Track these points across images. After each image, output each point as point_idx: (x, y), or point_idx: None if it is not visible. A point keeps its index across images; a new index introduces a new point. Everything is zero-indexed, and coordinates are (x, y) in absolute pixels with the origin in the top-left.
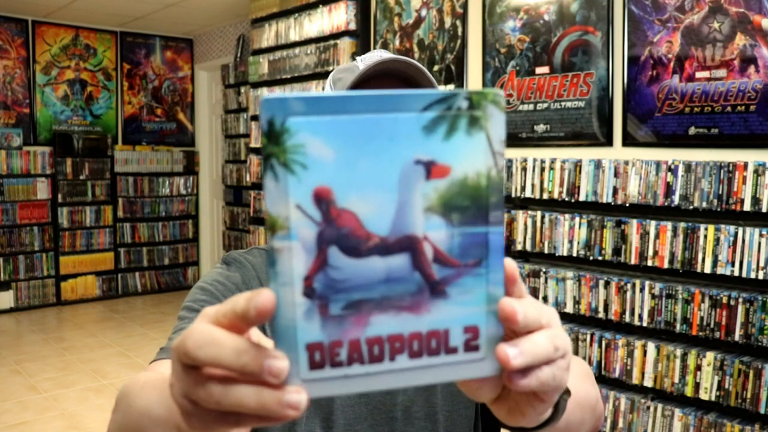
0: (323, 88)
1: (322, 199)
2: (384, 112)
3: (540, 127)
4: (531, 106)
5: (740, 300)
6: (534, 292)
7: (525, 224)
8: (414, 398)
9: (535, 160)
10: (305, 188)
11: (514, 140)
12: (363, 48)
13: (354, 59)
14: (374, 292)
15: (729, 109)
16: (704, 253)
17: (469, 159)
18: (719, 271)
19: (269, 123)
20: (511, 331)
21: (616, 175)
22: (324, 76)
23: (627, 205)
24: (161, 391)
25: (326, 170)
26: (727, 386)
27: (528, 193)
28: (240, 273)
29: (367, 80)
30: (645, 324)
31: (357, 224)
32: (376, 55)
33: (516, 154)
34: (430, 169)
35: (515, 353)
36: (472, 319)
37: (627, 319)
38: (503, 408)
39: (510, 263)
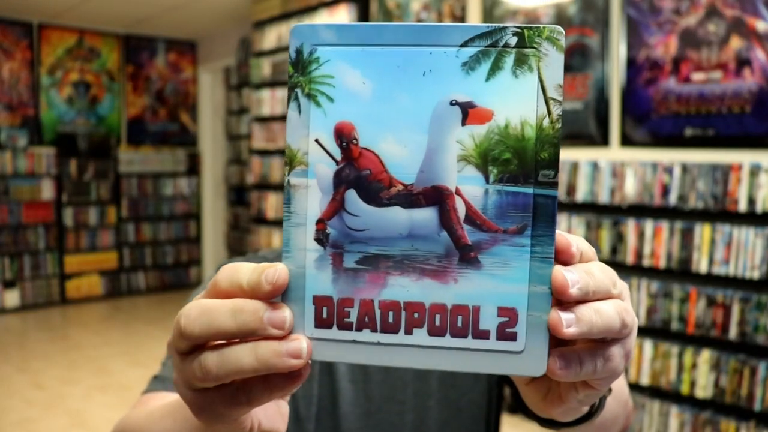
0: None
1: (343, 135)
2: (419, 45)
3: None
4: None
5: (735, 299)
6: None
7: None
8: (423, 416)
9: None
10: (328, 122)
11: None
12: None
13: None
14: (394, 249)
15: (724, 110)
16: (700, 253)
17: (516, 104)
18: (715, 270)
19: (297, 51)
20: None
21: (613, 175)
22: None
23: (624, 205)
24: (175, 418)
25: (352, 105)
26: (722, 384)
27: None
28: None
29: None
30: (642, 322)
31: (380, 167)
32: None
33: None
34: (468, 112)
35: (570, 319)
36: (509, 300)
37: None
38: (539, 391)
39: (562, 236)
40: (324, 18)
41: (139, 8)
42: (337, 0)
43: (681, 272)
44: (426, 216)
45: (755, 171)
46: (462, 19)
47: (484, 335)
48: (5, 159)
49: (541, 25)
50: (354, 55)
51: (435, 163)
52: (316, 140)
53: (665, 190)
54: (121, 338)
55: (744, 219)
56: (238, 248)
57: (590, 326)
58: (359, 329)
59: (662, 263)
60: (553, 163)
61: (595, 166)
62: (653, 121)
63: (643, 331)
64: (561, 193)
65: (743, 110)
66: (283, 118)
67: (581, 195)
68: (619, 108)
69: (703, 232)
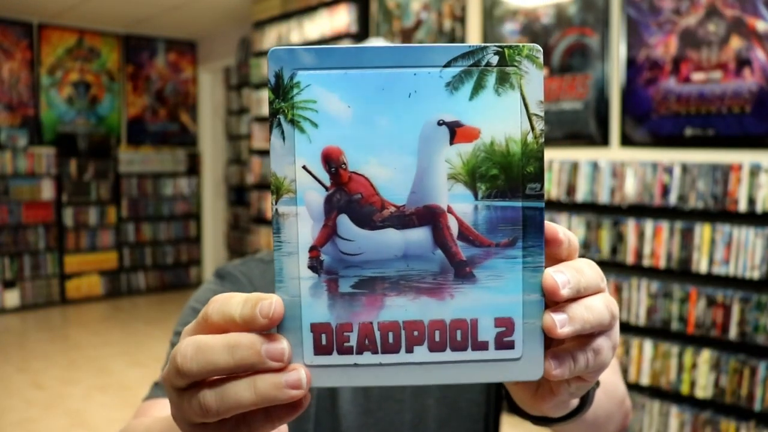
0: None
1: (331, 160)
2: (402, 67)
3: None
4: None
5: (735, 299)
6: None
7: None
8: (422, 415)
9: None
10: (314, 148)
11: None
12: None
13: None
14: (390, 270)
15: (724, 110)
16: (700, 253)
17: (500, 122)
18: (715, 270)
19: (277, 76)
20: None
21: (613, 175)
22: None
23: (624, 205)
24: None
25: (337, 129)
26: (722, 384)
27: None
28: (235, 289)
29: None
30: (642, 323)
31: (370, 190)
32: (372, 42)
33: None
34: (455, 131)
35: (563, 320)
36: (505, 310)
37: (624, 317)
38: (529, 388)
39: (549, 224)
40: (324, 18)
41: (139, 8)
42: (337, 0)
43: (681, 272)
44: (420, 236)
45: (755, 171)
46: (462, 19)
47: (483, 346)
48: (5, 159)
49: (521, 44)
50: (336, 79)
51: (426, 183)
52: (304, 167)
53: (665, 190)
54: (121, 338)
55: (744, 219)
56: (238, 248)
57: (583, 323)
58: (360, 352)
59: (662, 263)
60: (539, 176)
61: (595, 166)
62: (653, 121)
63: (643, 331)
64: (561, 193)
65: (743, 110)
66: None
67: (581, 195)
68: (619, 108)
69: (703, 232)
